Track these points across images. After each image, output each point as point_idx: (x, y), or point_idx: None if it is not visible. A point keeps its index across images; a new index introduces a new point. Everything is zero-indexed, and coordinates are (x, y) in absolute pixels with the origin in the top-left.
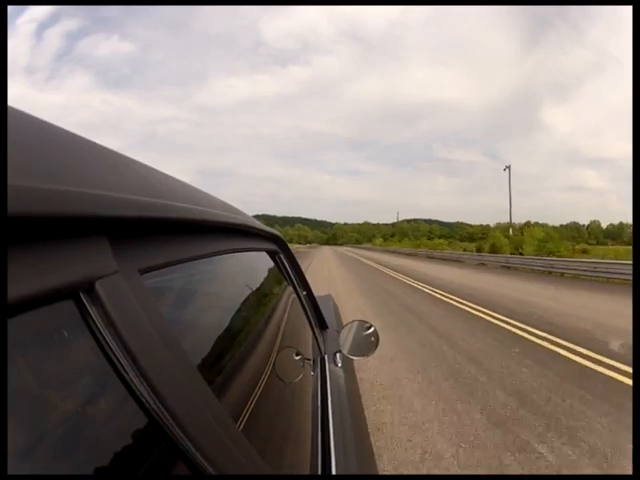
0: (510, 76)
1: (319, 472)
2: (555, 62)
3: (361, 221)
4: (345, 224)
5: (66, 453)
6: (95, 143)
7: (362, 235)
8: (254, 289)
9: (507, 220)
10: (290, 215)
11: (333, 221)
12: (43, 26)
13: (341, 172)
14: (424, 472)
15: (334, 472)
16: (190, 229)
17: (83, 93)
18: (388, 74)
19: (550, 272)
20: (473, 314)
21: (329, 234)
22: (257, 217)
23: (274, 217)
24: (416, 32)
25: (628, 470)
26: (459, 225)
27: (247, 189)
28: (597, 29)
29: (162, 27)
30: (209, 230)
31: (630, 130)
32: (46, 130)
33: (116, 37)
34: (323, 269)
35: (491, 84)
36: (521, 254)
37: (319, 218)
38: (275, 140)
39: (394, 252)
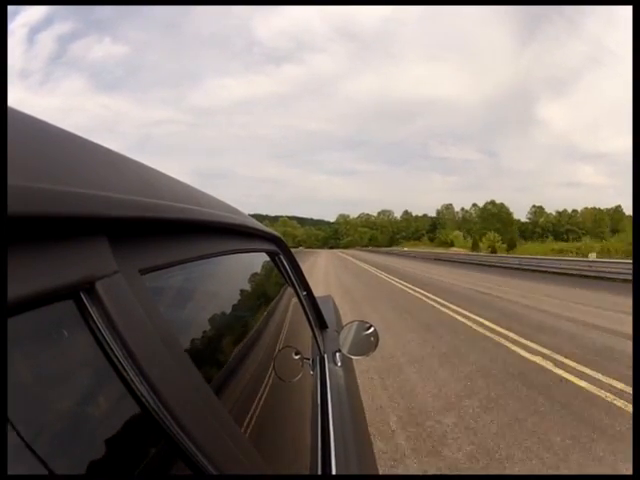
0: (506, 71)
1: (319, 472)
2: (551, 56)
3: (375, 212)
4: (351, 217)
5: (66, 453)
6: (95, 143)
7: (381, 232)
8: (254, 289)
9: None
10: (285, 214)
11: (331, 220)
12: (35, 30)
13: (338, 172)
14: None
15: (334, 472)
16: (190, 229)
17: (78, 96)
18: (383, 72)
19: None
20: None
21: (327, 232)
22: (263, 219)
23: (267, 216)
24: (410, 29)
25: None
26: (538, 211)
27: (243, 190)
28: (593, 22)
29: (154, 28)
30: (209, 231)
31: (627, 125)
32: (46, 130)
33: (108, 39)
34: None
35: (487, 80)
36: None
37: (315, 217)
38: (271, 140)
39: None
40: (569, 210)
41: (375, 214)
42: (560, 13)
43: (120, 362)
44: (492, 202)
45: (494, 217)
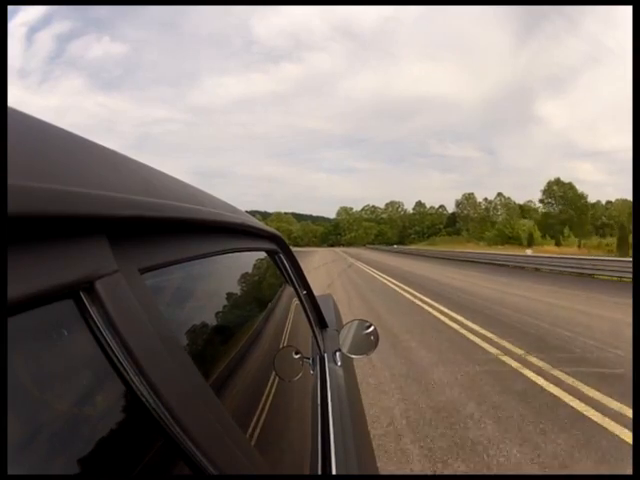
0: (505, 69)
1: (319, 472)
2: (550, 54)
3: (383, 203)
4: (354, 210)
5: (66, 453)
6: (95, 143)
7: (390, 227)
8: (254, 289)
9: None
10: (284, 211)
11: (331, 217)
12: (34, 29)
13: (337, 170)
14: None
15: (334, 472)
16: (190, 229)
17: (76, 95)
18: (382, 70)
19: None
20: None
21: (327, 227)
22: (253, 214)
23: (265, 213)
24: (409, 27)
25: None
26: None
27: (242, 189)
28: (592, 21)
29: (153, 27)
30: (209, 230)
31: (626, 123)
32: (46, 130)
33: (107, 38)
34: None
35: (486, 78)
36: None
37: (315, 214)
38: (269, 139)
39: None
40: (603, 201)
41: (382, 206)
42: (559, 12)
43: (120, 362)
44: (557, 181)
45: (562, 202)
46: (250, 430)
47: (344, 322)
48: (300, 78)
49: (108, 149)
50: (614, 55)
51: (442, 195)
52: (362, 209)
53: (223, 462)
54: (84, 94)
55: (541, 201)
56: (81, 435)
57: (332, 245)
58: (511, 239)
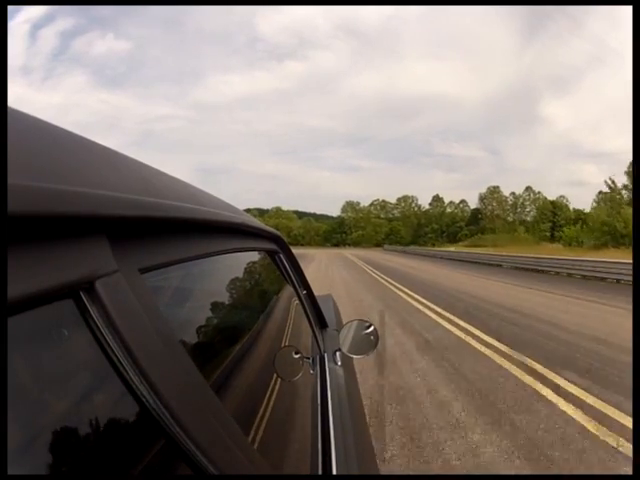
0: (508, 69)
1: (319, 472)
2: (554, 55)
3: (394, 198)
4: (362, 205)
5: (67, 453)
6: (95, 143)
7: (403, 224)
8: (254, 288)
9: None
10: (286, 209)
11: (335, 215)
12: (38, 26)
13: (340, 168)
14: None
15: (334, 472)
16: (190, 229)
17: (80, 92)
18: (385, 69)
19: None
20: None
21: (331, 224)
22: (249, 210)
23: (267, 210)
24: (413, 26)
25: None
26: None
27: (245, 186)
28: (596, 21)
29: (156, 25)
30: (209, 230)
31: (630, 124)
32: (46, 130)
33: (111, 35)
34: None
35: (490, 78)
36: None
37: (319, 212)
38: (273, 136)
39: None
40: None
41: (393, 201)
42: (563, 12)
43: (120, 361)
44: None
45: None
46: (250, 430)
47: (344, 322)
48: (303, 76)
49: (108, 148)
50: (618, 56)
51: (446, 195)
52: (371, 204)
53: (223, 462)
54: (87, 91)
55: (625, 187)
56: (81, 435)
57: (337, 245)
58: (623, 238)
